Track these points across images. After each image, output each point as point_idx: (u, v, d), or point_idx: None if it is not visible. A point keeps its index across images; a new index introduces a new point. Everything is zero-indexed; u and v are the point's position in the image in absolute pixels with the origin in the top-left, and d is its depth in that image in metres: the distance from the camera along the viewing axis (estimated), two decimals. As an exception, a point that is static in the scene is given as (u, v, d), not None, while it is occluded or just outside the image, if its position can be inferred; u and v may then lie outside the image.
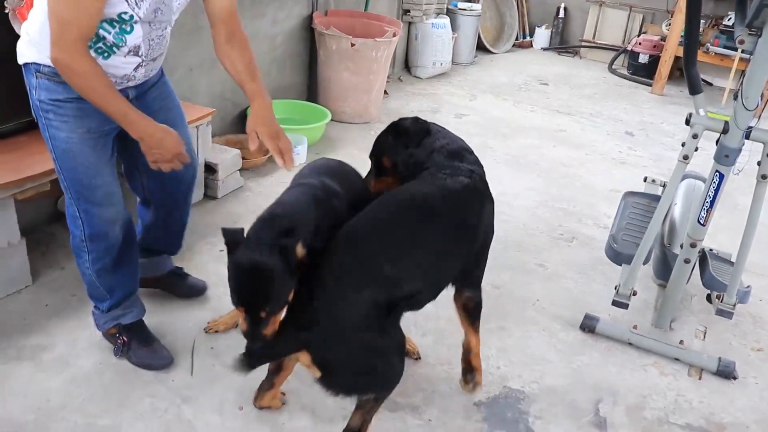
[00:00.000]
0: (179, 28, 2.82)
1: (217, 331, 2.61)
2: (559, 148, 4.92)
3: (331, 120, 4.48)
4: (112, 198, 2.20)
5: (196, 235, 3.22)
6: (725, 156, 2.38)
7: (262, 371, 2.12)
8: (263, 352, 1.86)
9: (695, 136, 2.42)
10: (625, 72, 7.18)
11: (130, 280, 2.40)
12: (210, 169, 3.54)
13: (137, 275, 2.45)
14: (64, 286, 2.77)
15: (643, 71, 6.98)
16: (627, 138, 5.29)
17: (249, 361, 1.83)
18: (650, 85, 6.70)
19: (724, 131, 2.37)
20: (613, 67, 7.30)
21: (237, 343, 2.55)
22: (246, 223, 3.50)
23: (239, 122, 4.28)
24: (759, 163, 2.42)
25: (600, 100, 6.20)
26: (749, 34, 2.29)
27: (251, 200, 3.62)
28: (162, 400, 2.27)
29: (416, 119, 2.27)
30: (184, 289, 2.78)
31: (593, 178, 4.43)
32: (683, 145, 2.47)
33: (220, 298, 2.79)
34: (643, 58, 6.98)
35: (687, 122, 2.43)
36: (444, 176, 2.07)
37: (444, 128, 2.32)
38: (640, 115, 5.91)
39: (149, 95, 2.25)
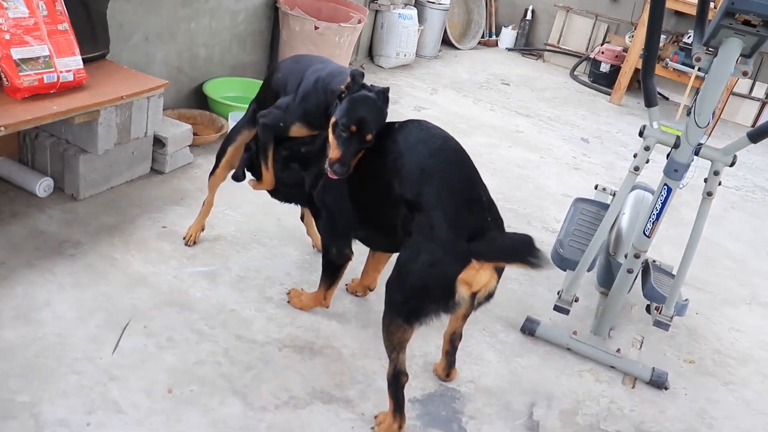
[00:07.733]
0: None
1: (195, 242, 2.94)
2: (515, 148, 4.93)
3: (289, 102, 4.38)
4: None
5: (140, 209, 3.13)
6: (674, 171, 2.40)
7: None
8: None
9: (647, 149, 2.44)
10: (586, 79, 7.25)
11: None
12: (159, 142, 3.44)
13: None
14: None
15: (603, 80, 7.06)
16: (582, 144, 5.34)
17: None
18: (609, 94, 6.78)
19: (675, 146, 2.39)
20: (575, 73, 7.37)
21: (171, 324, 2.49)
22: (192, 200, 3.37)
23: (194, 97, 4.16)
24: (705, 180, 2.45)
25: (559, 105, 6.25)
26: (706, 53, 2.32)
27: (199, 177, 3.51)
28: (88, 378, 2.19)
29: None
30: None
31: (546, 181, 4.45)
32: (635, 156, 2.49)
33: (159, 276, 2.72)
34: (605, 67, 7.06)
35: (640, 134, 2.45)
36: None
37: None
38: (597, 122, 5.97)
39: None
